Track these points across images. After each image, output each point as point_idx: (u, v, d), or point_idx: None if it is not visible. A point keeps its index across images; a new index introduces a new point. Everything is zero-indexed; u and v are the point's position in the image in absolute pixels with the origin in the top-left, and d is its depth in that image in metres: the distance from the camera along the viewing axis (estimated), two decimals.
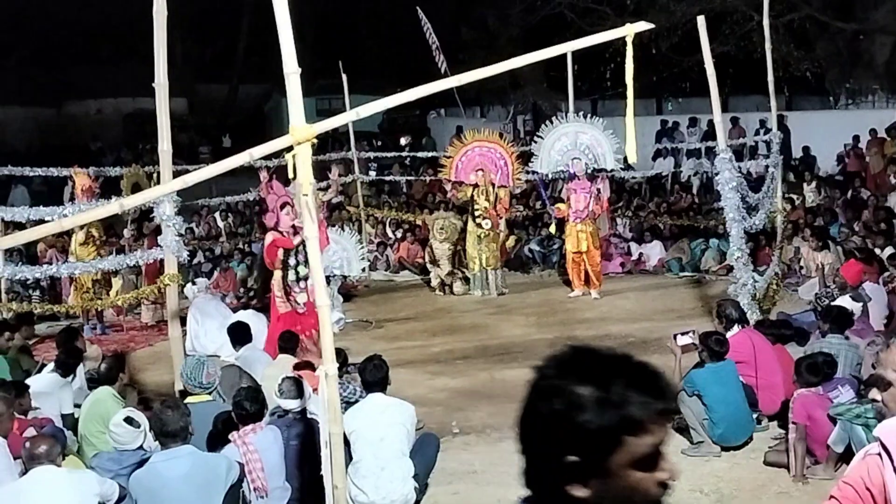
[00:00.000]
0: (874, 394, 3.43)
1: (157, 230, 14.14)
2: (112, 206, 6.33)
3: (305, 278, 10.65)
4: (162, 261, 9.04)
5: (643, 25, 5.84)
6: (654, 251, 16.76)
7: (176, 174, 8.29)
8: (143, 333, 13.83)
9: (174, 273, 8.78)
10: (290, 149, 5.51)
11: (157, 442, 6.93)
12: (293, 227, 10.62)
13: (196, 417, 6.56)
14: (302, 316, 10.73)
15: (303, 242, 10.54)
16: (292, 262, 10.79)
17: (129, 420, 6.60)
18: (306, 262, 10.70)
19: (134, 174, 14.63)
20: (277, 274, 10.90)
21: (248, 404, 6.66)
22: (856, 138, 22.41)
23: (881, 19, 26.85)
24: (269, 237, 10.92)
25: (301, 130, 5.50)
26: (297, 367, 8.31)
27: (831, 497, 3.24)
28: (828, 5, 27.58)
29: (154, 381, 10.77)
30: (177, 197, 8.78)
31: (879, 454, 3.14)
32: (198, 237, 18.46)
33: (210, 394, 7.50)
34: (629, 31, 5.80)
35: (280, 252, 10.78)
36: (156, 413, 6.27)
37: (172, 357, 8.83)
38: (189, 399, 7.27)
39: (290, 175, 5.74)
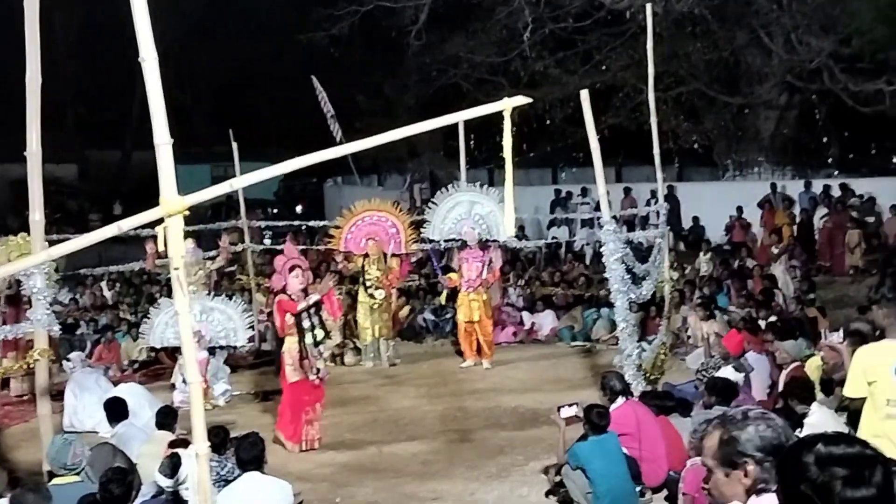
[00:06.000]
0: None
1: (13, 298, 13.47)
2: None
3: (322, 342, 10.64)
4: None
5: (521, 100, 5.84)
6: (546, 320, 16.81)
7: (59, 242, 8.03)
8: (19, 409, 13.20)
9: (44, 348, 8.46)
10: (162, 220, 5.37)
11: None
12: (303, 290, 10.52)
13: (61, 501, 6.27)
14: (314, 387, 10.63)
15: (315, 305, 10.41)
16: (306, 324, 10.53)
17: None
18: (322, 325, 10.64)
19: (20, 244, 14.04)
20: (289, 340, 10.63)
21: (114, 486, 6.36)
22: (739, 209, 22.98)
23: (765, 94, 27.81)
24: (276, 301, 10.80)
25: (172, 202, 5.36)
26: (172, 444, 8.03)
27: None
28: (714, 80, 28.48)
29: (27, 460, 10.28)
30: (57, 265, 8.51)
31: None
32: (82, 307, 17.92)
33: (78, 475, 7.18)
34: (507, 105, 5.80)
35: (288, 317, 10.54)
36: (15, 498, 5.96)
37: (42, 436, 8.48)
38: (55, 481, 6.96)
39: (160, 247, 5.59)
